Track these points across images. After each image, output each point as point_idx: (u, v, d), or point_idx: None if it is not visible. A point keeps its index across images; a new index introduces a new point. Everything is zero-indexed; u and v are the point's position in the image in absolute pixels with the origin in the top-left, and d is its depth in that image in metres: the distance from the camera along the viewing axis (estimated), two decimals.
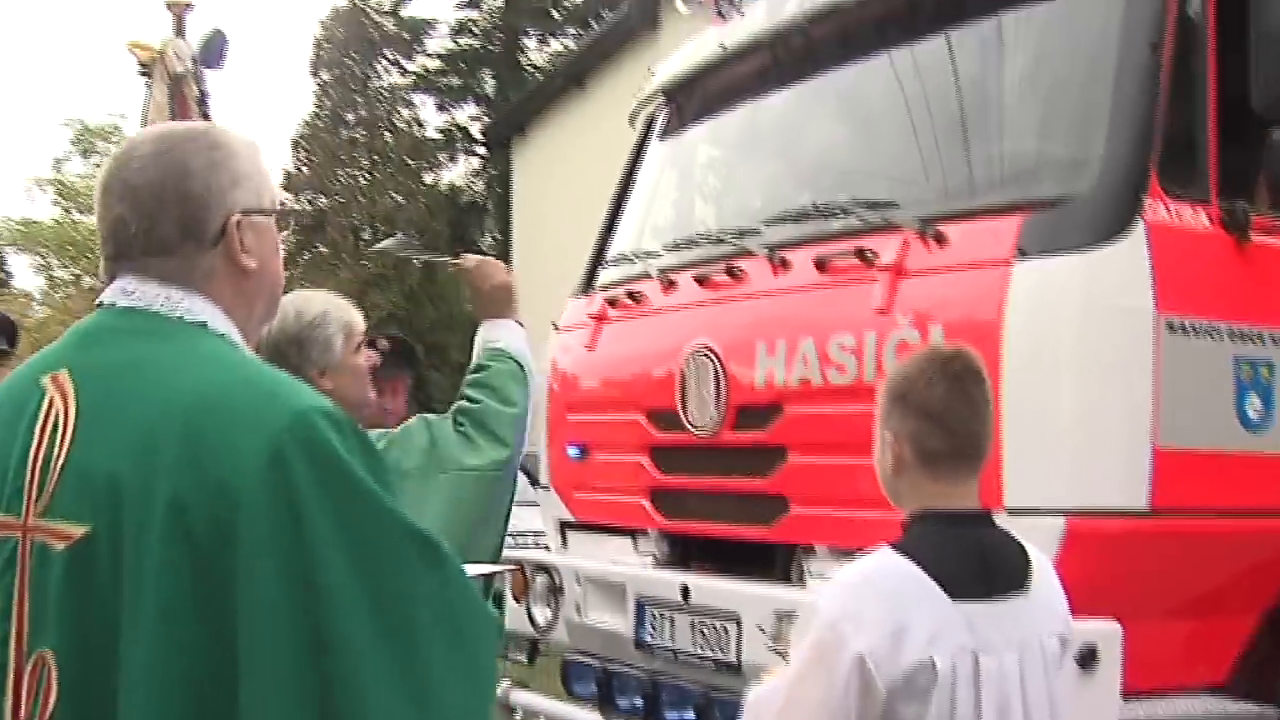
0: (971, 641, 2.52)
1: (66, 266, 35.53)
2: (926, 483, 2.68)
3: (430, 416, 3.34)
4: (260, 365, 1.98)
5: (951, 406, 2.66)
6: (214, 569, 1.70)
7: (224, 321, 1.98)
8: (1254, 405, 4.12)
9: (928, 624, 2.49)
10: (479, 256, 3.55)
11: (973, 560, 2.63)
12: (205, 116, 4.64)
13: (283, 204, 2.16)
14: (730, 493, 4.99)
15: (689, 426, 5.05)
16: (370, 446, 1.87)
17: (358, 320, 3.34)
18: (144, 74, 4.76)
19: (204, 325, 1.95)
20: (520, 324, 3.45)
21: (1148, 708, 3.96)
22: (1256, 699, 4.19)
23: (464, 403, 3.29)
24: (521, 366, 3.35)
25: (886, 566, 2.59)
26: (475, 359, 3.40)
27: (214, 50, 4.79)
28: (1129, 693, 3.80)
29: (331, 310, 3.29)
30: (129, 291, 1.96)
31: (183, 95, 4.54)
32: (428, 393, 24.37)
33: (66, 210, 34.34)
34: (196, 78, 4.80)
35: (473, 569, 2.46)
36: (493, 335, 3.41)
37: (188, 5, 4.82)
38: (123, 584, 1.73)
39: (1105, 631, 3.71)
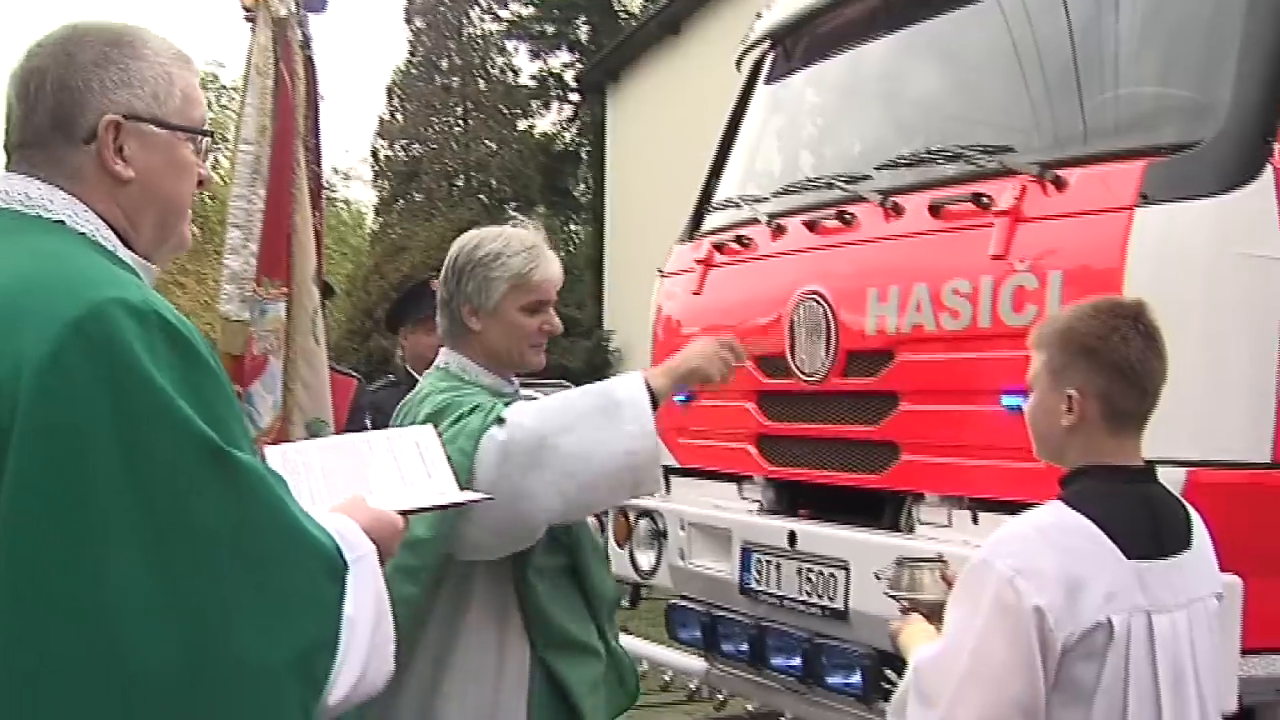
0: (1145, 601, 2.47)
1: None
2: (1105, 440, 2.58)
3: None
4: (91, 262, 1.78)
5: (1149, 364, 2.58)
6: None
7: (90, 223, 1.85)
8: None
9: (1104, 582, 2.43)
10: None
11: (1144, 517, 2.56)
12: (309, 60, 4.62)
13: (206, 130, 1.97)
14: (839, 439, 4.95)
15: (797, 373, 5.02)
16: (186, 345, 1.70)
17: (536, 277, 3.14)
18: (248, 18, 4.74)
19: (61, 224, 1.82)
20: (642, 378, 3.11)
21: (1266, 664, 3.88)
22: None
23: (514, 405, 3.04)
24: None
25: (1061, 521, 2.51)
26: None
27: None
28: (1248, 649, 3.71)
29: (509, 256, 3.12)
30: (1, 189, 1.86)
31: (286, 39, 4.50)
32: None
33: None
34: (300, 21, 4.78)
35: (435, 497, 2.39)
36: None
37: None
38: None
39: (1226, 585, 3.61)
